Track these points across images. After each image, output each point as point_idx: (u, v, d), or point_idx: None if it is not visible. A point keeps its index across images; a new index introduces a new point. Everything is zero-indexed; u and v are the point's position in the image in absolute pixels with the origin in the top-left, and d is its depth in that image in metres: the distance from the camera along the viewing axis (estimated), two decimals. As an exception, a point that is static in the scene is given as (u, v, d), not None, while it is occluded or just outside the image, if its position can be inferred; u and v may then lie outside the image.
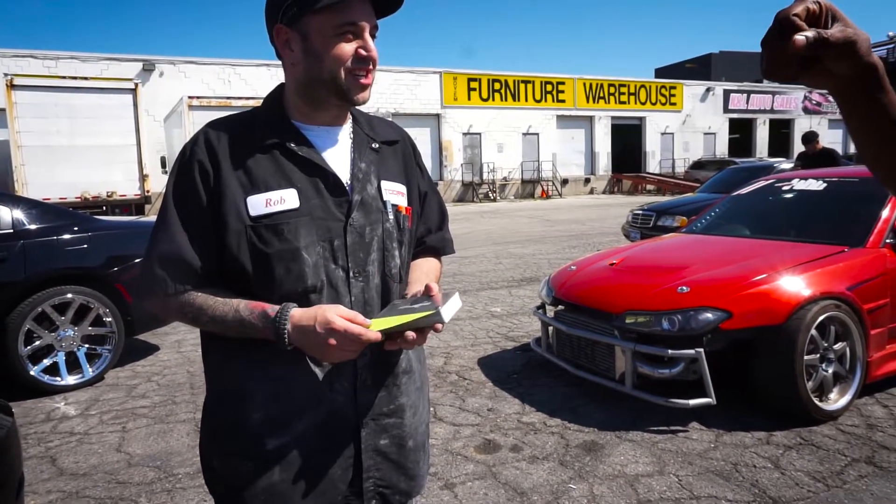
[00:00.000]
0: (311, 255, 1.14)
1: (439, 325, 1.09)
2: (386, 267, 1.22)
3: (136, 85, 15.83)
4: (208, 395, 1.24)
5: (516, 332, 5.41)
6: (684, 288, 3.48)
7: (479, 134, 29.10)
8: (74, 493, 2.89)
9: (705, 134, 35.20)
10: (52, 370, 4.30)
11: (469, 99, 28.72)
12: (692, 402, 3.27)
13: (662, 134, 34.02)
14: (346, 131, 1.25)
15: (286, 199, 1.13)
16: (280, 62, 1.22)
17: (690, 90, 34.65)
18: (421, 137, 28.05)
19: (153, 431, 3.54)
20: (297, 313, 1.08)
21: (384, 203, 1.22)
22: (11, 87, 14.48)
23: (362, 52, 1.15)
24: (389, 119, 1.43)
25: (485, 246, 11.67)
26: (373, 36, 1.18)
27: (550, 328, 4.22)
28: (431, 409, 3.74)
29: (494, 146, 29.41)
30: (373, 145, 1.26)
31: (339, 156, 1.22)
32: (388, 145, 1.30)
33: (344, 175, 1.20)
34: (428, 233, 1.39)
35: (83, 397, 4.18)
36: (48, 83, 15.47)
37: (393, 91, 27.08)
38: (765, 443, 3.12)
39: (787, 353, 3.21)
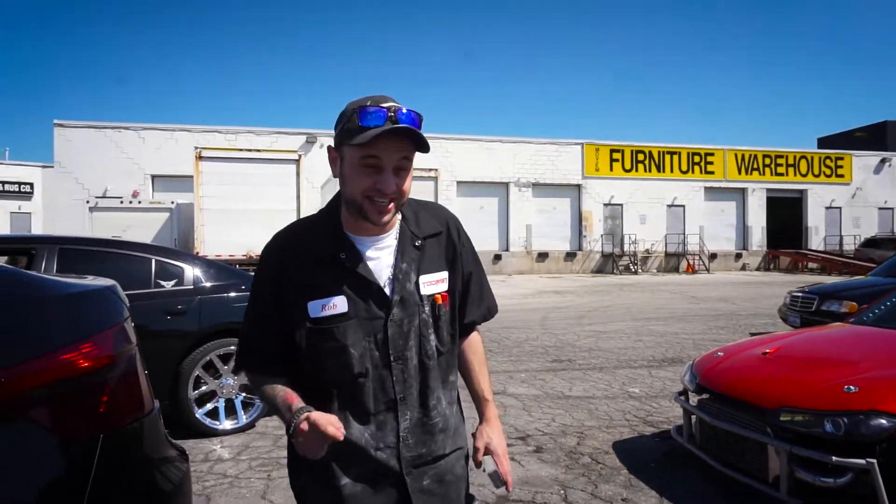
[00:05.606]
0: (357, 349, 1.37)
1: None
2: (422, 350, 1.43)
3: (300, 156, 17.54)
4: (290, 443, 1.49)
5: (655, 417, 5.11)
6: (852, 387, 3.12)
7: (621, 205, 28.56)
8: (222, 535, 3.11)
9: (880, 209, 31.83)
10: (213, 414, 4.74)
11: (611, 169, 28.46)
12: (863, 519, 2.87)
13: (827, 208, 31.25)
14: (392, 234, 1.44)
15: (338, 304, 1.36)
16: None
17: (861, 161, 31.73)
18: (560, 207, 28.10)
19: (293, 483, 3.75)
20: (310, 415, 1.27)
21: (421, 298, 1.43)
22: (200, 158, 16.69)
23: (378, 186, 1.32)
24: (440, 206, 1.61)
25: (624, 321, 11.25)
26: (403, 168, 1.35)
27: (693, 417, 3.94)
28: (562, 491, 3.62)
29: (637, 217, 28.66)
30: (416, 243, 1.45)
31: (383, 259, 1.42)
32: (432, 238, 1.48)
33: (388, 275, 1.41)
34: (476, 313, 1.59)
35: (236, 442, 4.54)
36: (227, 155, 17.64)
37: (533, 162, 27.59)
38: (959, 580, 2.64)
39: None
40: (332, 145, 1.39)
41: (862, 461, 2.87)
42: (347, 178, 1.34)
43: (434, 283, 1.45)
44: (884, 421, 2.91)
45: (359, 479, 1.40)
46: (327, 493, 1.40)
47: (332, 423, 1.24)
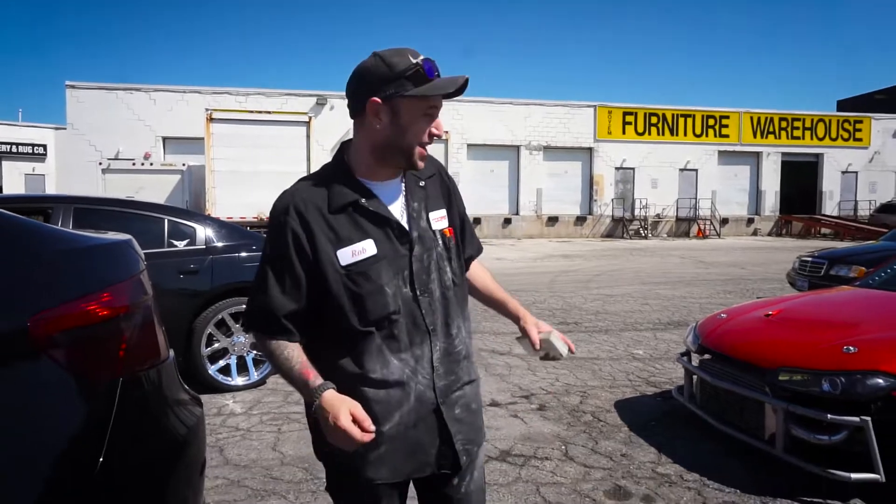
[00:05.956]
0: (391, 287, 1.45)
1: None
2: (442, 282, 1.53)
3: (310, 118, 17.46)
4: None
5: (658, 378, 5.20)
6: (851, 348, 3.17)
7: (633, 169, 28.29)
8: (236, 481, 3.26)
9: (898, 173, 31.30)
10: (225, 371, 4.88)
11: (623, 133, 28.10)
12: (854, 475, 2.95)
13: (843, 172, 30.77)
14: (399, 177, 1.54)
15: (367, 248, 1.43)
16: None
17: (881, 124, 31.09)
18: (571, 171, 27.88)
19: (303, 436, 3.89)
20: (327, 396, 1.35)
21: (434, 232, 1.54)
22: (210, 120, 16.67)
23: (434, 130, 1.47)
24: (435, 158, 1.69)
25: (632, 285, 11.30)
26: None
27: (695, 377, 4.02)
28: (563, 446, 3.73)
29: (648, 181, 28.41)
30: (420, 184, 1.56)
31: (397, 201, 1.52)
32: (429, 179, 1.59)
33: (402, 215, 1.50)
34: (471, 249, 1.72)
35: (248, 398, 4.69)
36: (238, 117, 17.58)
37: (545, 125, 27.28)
38: (945, 533, 2.73)
39: (979, 432, 2.80)
40: (377, 98, 1.39)
41: (856, 419, 2.94)
42: (407, 128, 1.42)
43: (440, 220, 1.57)
44: (881, 380, 2.97)
45: (402, 416, 1.46)
46: (376, 439, 1.40)
47: (364, 424, 1.31)
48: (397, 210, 1.49)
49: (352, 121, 1.49)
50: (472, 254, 1.72)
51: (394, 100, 1.39)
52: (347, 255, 1.41)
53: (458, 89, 1.42)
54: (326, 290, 1.42)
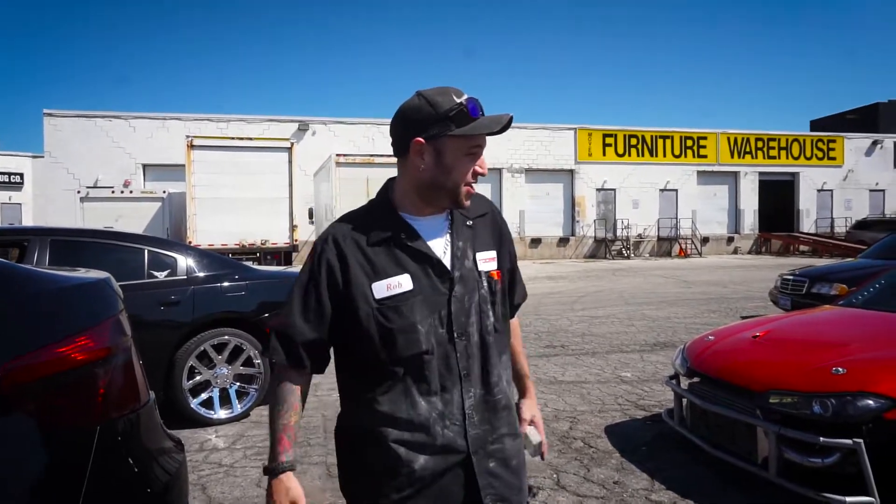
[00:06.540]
0: (424, 325, 1.40)
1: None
2: (482, 326, 1.47)
3: (292, 144, 17.40)
4: (345, 437, 1.50)
5: (647, 401, 5.16)
6: (840, 369, 3.16)
7: (614, 190, 28.60)
8: (220, 522, 3.15)
9: (871, 191, 32.00)
10: (207, 404, 4.76)
11: (604, 154, 28.45)
12: (850, 499, 2.92)
13: (819, 191, 31.38)
14: (444, 215, 1.51)
15: (402, 283, 1.40)
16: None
17: (853, 143, 31.83)
18: (553, 193, 28.10)
19: (289, 471, 3.78)
20: (283, 480, 1.38)
21: (479, 273, 1.48)
22: (191, 147, 16.54)
23: (479, 169, 1.45)
24: (482, 195, 1.64)
25: (616, 306, 11.31)
26: None
27: (684, 400, 3.99)
28: (555, 475, 3.67)
29: (629, 202, 28.72)
30: (468, 223, 1.52)
31: (441, 239, 1.48)
32: (479, 218, 1.55)
33: (446, 254, 1.46)
34: (519, 296, 1.68)
35: (231, 431, 4.57)
36: (219, 143, 17.45)
37: (527, 147, 27.53)
38: (942, 556, 2.70)
39: (970, 452, 2.79)
40: (421, 139, 1.39)
41: (849, 441, 2.92)
42: (451, 168, 1.41)
43: (488, 261, 1.51)
44: (870, 402, 2.96)
45: (428, 460, 1.40)
46: (398, 480, 1.40)
47: None
48: (440, 247, 1.46)
49: (397, 159, 1.48)
50: (519, 301, 1.68)
51: (438, 140, 1.39)
52: (382, 289, 1.40)
53: (503, 128, 1.40)
54: (356, 324, 1.40)
